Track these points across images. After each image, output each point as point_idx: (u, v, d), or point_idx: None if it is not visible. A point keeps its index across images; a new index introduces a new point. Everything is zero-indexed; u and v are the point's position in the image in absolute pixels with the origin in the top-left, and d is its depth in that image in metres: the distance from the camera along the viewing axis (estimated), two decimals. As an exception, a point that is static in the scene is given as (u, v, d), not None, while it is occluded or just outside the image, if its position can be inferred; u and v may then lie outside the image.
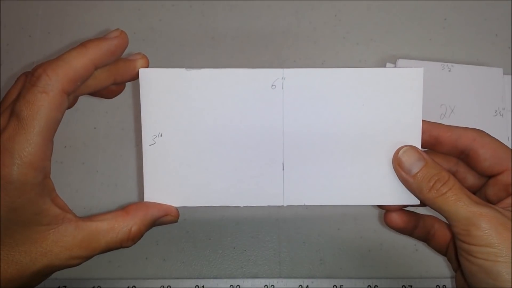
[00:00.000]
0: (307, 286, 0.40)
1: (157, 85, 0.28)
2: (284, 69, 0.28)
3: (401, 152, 0.27)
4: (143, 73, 0.28)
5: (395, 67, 0.45)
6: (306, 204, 0.29)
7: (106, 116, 0.45)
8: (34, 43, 0.47)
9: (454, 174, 0.28)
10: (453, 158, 0.30)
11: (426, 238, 0.31)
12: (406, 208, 0.30)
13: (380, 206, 0.30)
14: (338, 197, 0.29)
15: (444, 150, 0.29)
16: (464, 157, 0.29)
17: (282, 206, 0.29)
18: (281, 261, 0.41)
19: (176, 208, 0.29)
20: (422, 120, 0.28)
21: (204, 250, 0.41)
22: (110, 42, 0.26)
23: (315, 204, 0.29)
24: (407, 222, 0.30)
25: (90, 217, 0.26)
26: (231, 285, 0.40)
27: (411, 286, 0.40)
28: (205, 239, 0.41)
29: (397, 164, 0.27)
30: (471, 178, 0.30)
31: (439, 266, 0.41)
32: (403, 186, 0.28)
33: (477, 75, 0.44)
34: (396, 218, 0.30)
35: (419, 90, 0.28)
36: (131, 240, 0.27)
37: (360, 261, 0.41)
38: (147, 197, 0.29)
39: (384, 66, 0.45)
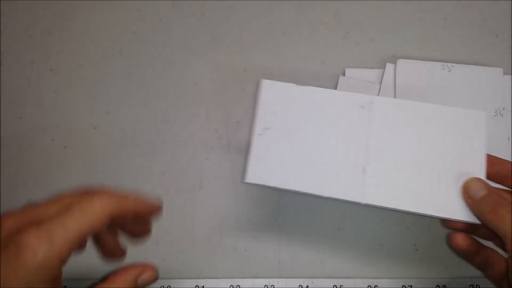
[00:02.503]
0: (307, 286, 0.40)
1: (272, 92, 0.37)
2: (374, 96, 0.36)
3: (468, 180, 0.32)
4: (264, 82, 0.37)
5: (395, 67, 0.45)
6: (382, 205, 0.34)
7: (106, 116, 0.45)
8: (34, 43, 0.47)
9: None
10: None
11: (485, 267, 0.34)
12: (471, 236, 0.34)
13: (446, 223, 0.34)
14: (411, 205, 0.33)
15: (509, 184, 0.33)
16: None
17: (360, 203, 0.34)
18: (281, 261, 0.41)
19: (153, 265, 0.29)
20: (490, 155, 0.33)
21: (204, 250, 0.41)
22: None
23: (389, 207, 0.34)
24: (469, 245, 0.33)
25: None
26: (231, 285, 0.40)
27: (411, 286, 0.40)
28: (205, 239, 0.41)
29: (465, 191, 0.32)
30: None
31: (439, 266, 0.41)
32: (459, 206, 0.33)
33: (477, 75, 0.44)
34: (460, 240, 0.33)
35: (482, 130, 0.34)
36: None
37: (360, 261, 0.41)
38: (248, 177, 0.35)
39: (384, 66, 0.45)
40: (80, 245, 0.25)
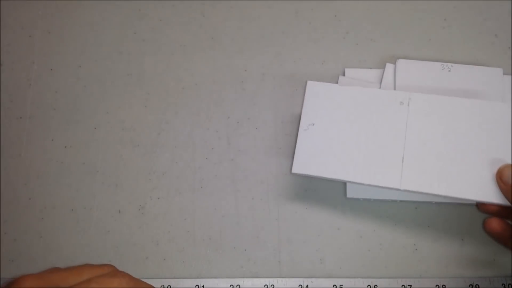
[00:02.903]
0: (307, 285, 0.40)
1: (316, 91, 0.41)
2: (412, 93, 0.40)
3: (502, 167, 0.36)
4: (309, 83, 0.41)
5: (395, 67, 0.45)
6: (420, 191, 0.37)
7: (106, 116, 0.45)
8: (34, 43, 0.47)
9: None
10: None
11: None
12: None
13: (481, 207, 0.38)
14: (447, 189, 0.37)
15: None
16: None
17: (399, 189, 0.37)
18: (281, 261, 0.41)
19: None
20: None
21: (204, 249, 0.41)
22: None
23: (427, 192, 0.37)
24: (504, 229, 0.37)
25: None
26: (231, 285, 0.40)
27: (410, 285, 0.40)
28: (205, 238, 0.41)
29: (498, 176, 0.36)
30: None
31: (438, 265, 0.41)
32: (491, 190, 0.36)
33: (477, 75, 0.44)
34: (494, 224, 0.37)
35: (508, 120, 0.38)
36: None
37: (359, 260, 0.41)
38: (295, 168, 0.39)
39: (384, 66, 0.45)
40: None
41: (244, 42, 0.48)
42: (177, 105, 0.46)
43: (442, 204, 0.42)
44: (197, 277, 0.40)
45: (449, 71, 0.45)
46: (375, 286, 0.40)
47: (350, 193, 0.42)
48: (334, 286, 0.40)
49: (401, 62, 0.45)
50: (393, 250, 0.41)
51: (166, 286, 0.40)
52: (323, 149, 0.39)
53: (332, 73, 0.46)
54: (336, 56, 0.47)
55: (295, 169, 0.39)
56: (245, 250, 0.41)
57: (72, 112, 0.46)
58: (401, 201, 0.42)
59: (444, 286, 0.40)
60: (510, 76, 0.45)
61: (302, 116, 0.40)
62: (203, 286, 0.40)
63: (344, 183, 0.42)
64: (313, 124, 0.40)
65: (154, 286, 0.39)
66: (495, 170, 0.36)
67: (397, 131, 0.39)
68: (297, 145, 0.39)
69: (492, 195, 0.36)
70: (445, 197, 0.37)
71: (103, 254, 0.40)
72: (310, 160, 0.39)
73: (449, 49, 0.47)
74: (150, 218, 0.42)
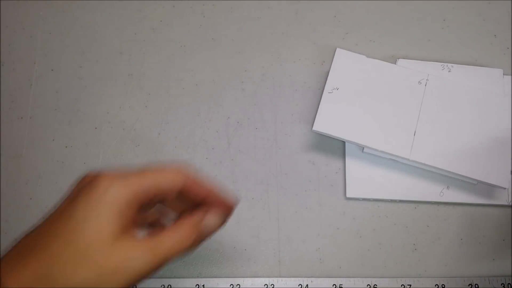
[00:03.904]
0: (307, 285, 0.40)
1: (343, 59, 0.44)
2: (429, 73, 0.43)
3: None
4: (338, 51, 0.44)
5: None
6: (427, 163, 0.40)
7: (107, 116, 0.45)
8: (35, 44, 0.48)
9: None
10: None
11: None
12: None
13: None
14: (451, 166, 0.40)
15: None
16: None
17: (408, 159, 0.40)
18: (281, 260, 0.41)
19: (220, 206, 0.30)
20: None
21: (204, 249, 0.41)
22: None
23: (434, 165, 0.40)
24: None
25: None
26: (231, 284, 0.40)
27: (410, 285, 0.40)
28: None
29: None
30: None
31: (438, 265, 0.41)
32: (495, 171, 0.40)
33: (477, 75, 0.45)
34: None
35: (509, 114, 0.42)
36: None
37: (359, 260, 0.41)
38: (316, 126, 0.41)
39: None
40: (148, 199, 0.27)
41: (244, 43, 0.48)
42: (177, 105, 0.46)
43: (441, 204, 0.42)
44: (197, 277, 0.40)
45: (449, 71, 0.45)
46: (375, 286, 0.40)
47: (350, 193, 0.42)
48: (334, 286, 0.40)
49: (401, 62, 0.45)
50: (393, 250, 0.41)
51: (166, 285, 0.40)
52: (343, 113, 0.41)
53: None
54: (336, 56, 0.47)
55: (316, 127, 0.41)
56: (245, 250, 0.41)
57: (73, 112, 0.46)
58: (400, 201, 0.42)
59: (443, 286, 0.40)
60: (510, 77, 0.45)
61: (328, 79, 0.43)
62: (203, 285, 0.40)
63: (344, 185, 0.43)
64: (337, 89, 0.42)
65: (154, 286, 0.40)
66: (495, 153, 0.40)
67: (412, 107, 0.42)
68: (320, 106, 0.42)
69: (492, 177, 0.39)
70: (448, 172, 0.40)
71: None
72: (331, 121, 0.41)
73: (449, 50, 0.47)
74: (150, 218, 0.42)
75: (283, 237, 0.42)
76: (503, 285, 0.40)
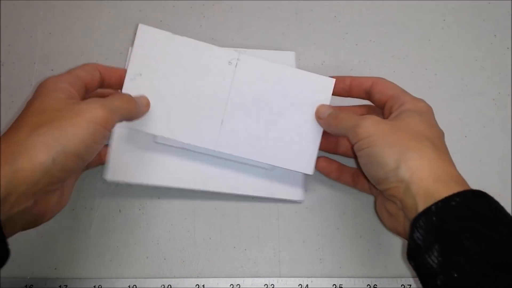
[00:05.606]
0: (307, 285, 0.40)
1: (148, 38, 0.38)
2: (240, 53, 0.38)
3: (318, 107, 0.39)
4: (141, 27, 0.38)
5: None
6: (233, 154, 0.38)
7: (107, 116, 0.45)
8: (35, 44, 0.48)
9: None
10: (363, 109, 0.41)
11: (353, 183, 0.41)
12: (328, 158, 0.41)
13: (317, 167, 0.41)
14: (261, 156, 0.38)
15: (356, 94, 0.39)
16: (368, 96, 0.39)
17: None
18: (281, 260, 0.41)
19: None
20: (336, 76, 0.39)
21: (204, 249, 0.41)
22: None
23: (239, 155, 0.38)
24: (329, 165, 0.41)
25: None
26: (231, 284, 0.40)
27: (410, 285, 0.40)
28: (205, 238, 0.42)
29: (317, 115, 0.38)
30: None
31: (438, 265, 0.41)
32: (302, 158, 0.38)
33: (271, 59, 0.40)
34: (322, 162, 0.41)
35: (329, 89, 0.39)
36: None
37: (359, 260, 0.41)
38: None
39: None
40: (82, 85, 0.35)
41: (244, 43, 0.48)
42: (178, 105, 0.46)
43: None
44: (197, 277, 0.40)
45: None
46: (375, 286, 0.40)
47: (110, 176, 0.39)
48: (334, 286, 0.40)
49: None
50: (393, 250, 0.41)
51: (166, 285, 0.40)
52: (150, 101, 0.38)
53: (331, 74, 0.46)
54: (336, 57, 0.47)
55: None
56: (245, 250, 0.41)
57: (72, 112, 0.46)
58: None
59: (443, 286, 0.40)
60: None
61: (129, 64, 0.38)
62: (203, 285, 0.40)
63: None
64: (141, 75, 0.37)
65: (154, 286, 0.40)
66: (307, 144, 0.38)
67: (220, 92, 0.38)
68: (123, 91, 0.38)
69: (299, 165, 0.38)
70: (258, 162, 0.39)
71: (103, 254, 0.41)
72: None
73: (448, 49, 0.47)
74: (150, 218, 0.42)
75: (283, 237, 0.42)
76: (503, 285, 0.40)
